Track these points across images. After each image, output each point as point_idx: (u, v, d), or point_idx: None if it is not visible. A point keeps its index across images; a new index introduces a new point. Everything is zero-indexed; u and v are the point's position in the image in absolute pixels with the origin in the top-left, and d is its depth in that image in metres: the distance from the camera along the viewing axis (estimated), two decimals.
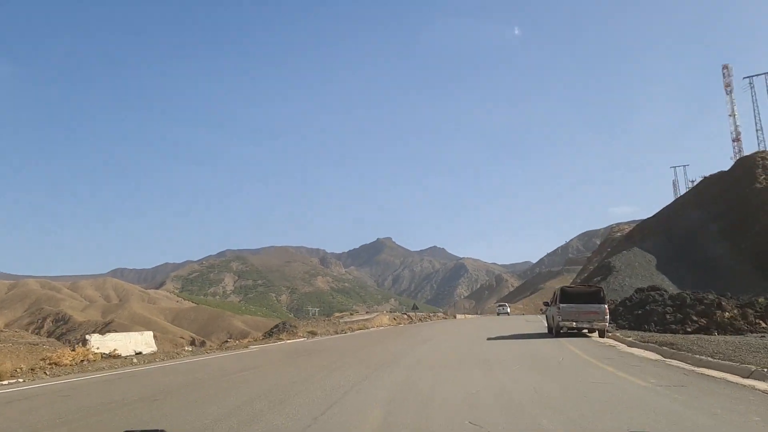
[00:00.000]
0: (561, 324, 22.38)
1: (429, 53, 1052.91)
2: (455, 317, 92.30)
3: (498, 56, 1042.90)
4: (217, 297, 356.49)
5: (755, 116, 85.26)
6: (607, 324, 22.40)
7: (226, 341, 30.21)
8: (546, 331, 27.45)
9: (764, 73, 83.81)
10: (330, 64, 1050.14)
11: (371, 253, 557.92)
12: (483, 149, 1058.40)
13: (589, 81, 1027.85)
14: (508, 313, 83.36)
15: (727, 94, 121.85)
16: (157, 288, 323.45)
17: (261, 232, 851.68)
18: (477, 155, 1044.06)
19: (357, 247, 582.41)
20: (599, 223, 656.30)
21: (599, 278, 68.75)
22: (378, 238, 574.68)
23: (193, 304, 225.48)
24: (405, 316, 63.03)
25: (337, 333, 37.26)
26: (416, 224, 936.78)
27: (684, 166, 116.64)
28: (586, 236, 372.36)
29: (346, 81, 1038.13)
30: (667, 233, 74.47)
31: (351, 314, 55.31)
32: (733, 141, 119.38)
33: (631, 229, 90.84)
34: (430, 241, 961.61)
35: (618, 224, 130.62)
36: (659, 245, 73.05)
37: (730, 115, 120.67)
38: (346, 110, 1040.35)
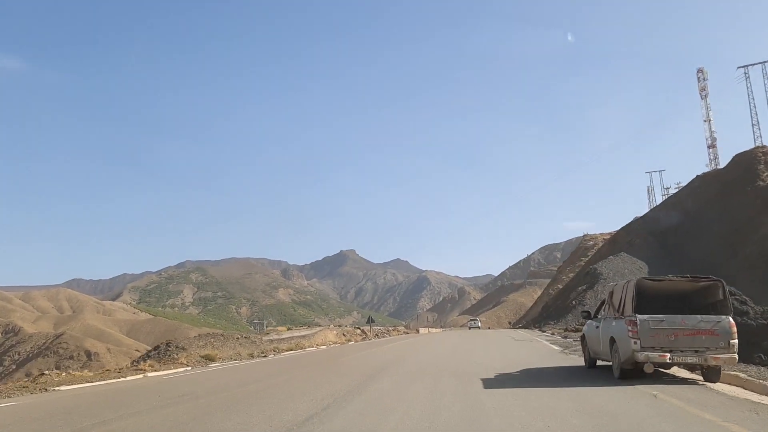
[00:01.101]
0: (641, 356, 10.54)
1: (388, 66, 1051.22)
2: (418, 332, 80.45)
3: (462, 70, 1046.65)
4: (176, 309, 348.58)
5: (751, 110, 76.10)
6: (736, 355, 10.68)
7: (43, 374, 17.72)
8: (575, 361, 15.80)
9: (761, 62, 74.73)
10: (292, 76, 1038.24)
11: (334, 266, 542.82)
12: (447, 163, 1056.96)
13: (549, 96, 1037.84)
14: (479, 327, 78.97)
15: (702, 98, 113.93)
16: (113, 299, 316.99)
17: (222, 243, 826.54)
18: (440, 169, 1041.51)
19: (320, 259, 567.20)
20: (560, 236, 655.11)
21: (585, 286, 58.02)
22: (341, 250, 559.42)
23: (150, 316, 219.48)
24: (358, 331, 51.01)
25: (253, 357, 25.16)
26: (380, 236, 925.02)
27: (660, 171, 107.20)
28: (547, 249, 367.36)
29: (306, 94, 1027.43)
30: (657, 238, 64.38)
31: (288, 329, 43.36)
32: (709, 147, 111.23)
33: (615, 232, 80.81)
34: (394, 253, 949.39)
35: (590, 234, 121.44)
36: (649, 251, 62.84)
37: (705, 121, 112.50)
38: (310, 123, 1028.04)
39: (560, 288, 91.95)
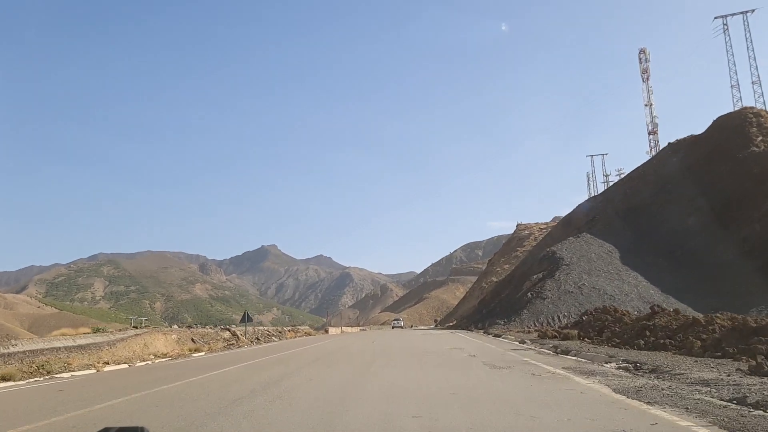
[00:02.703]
0: None
1: (314, 61, 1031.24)
2: (327, 332, 63.38)
3: (391, 66, 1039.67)
4: (85, 303, 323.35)
5: (730, 68, 63.33)
6: None
7: None
8: None
9: (743, 12, 61.87)
10: (215, 67, 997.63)
11: (255, 261, 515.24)
12: (372, 159, 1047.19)
13: (479, 95, 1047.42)
14: (402, 327, 75.57)
15: (644, 81, 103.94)
16: (18, 292, 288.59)
17: (138, 236, 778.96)
18: (365, 165, 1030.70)
19: (240, 254, 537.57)
20: (482, 235, 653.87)
21: (541, 275, 42.82)
22: (263, 245, 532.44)
23: (56, 310, 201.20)
24: (226, 334, 33.31)
25: None
26: (302, 232, 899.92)
27: (602, 154, 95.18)
28: (470, 247, 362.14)
29: (228, 85, 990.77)
30: (623, 217, 50.36)
31: (96, 330, 25.47)
32: (650, 134, 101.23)
33: (569, 212, 66.10)
34: (317, 249, 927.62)
35: (524, 223, 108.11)
36: (615, 232, 48.70)
37: (646, 105, 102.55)
38: (232, 114, 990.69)
39: (496, 281, 77.54)
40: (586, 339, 20.74)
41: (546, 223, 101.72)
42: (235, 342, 32.05)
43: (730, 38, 63.11)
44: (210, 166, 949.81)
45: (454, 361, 14.95)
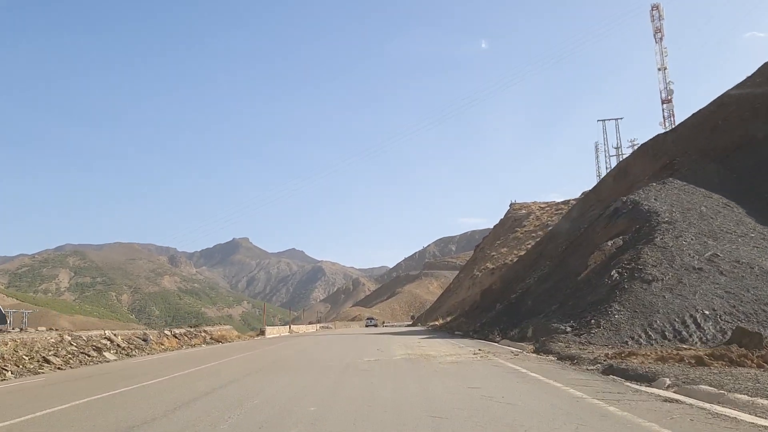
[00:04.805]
0: None
1: (290, 57, 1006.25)
2: (263, 334, 42.23)
3: (366, 63, 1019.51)
4: (49, 294, 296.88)
5: None
6: None
7: None
8: None
9: None
10: (191, 62, 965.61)
11: (226, 254, 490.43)
12: (346, 154, 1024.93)
13: (454, 93, 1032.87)
14: (375, 326, 69.54)
15: (657, 42, 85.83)
16: None
17: (107, 228, 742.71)
18: (339, 159, 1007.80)
19: (211, 246, 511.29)
20: (455, 230, 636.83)
21: (621, 239, 22.70)
22: (234, 238, 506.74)
23: (17, 301, 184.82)
24: None
25: None
26: (275, 225, 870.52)
27: (617, 119, 76.60)
28: (443, 242, 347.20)
29: (204, 80, 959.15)
30: (720, 161, 30.64)
31: None
32: (663, 102, 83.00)
33: (623, 159, 45.24)
34: (289, 243, 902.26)
35: (519, 202, 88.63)
36: (710, 181, 28.88)
37: (659, 69, 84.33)
38: (204, 105, 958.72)
39: (492, 267, 57.83)
40: None
41: (546, 203, 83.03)
42: None
43: None
44: (182, 158, 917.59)
45: None
